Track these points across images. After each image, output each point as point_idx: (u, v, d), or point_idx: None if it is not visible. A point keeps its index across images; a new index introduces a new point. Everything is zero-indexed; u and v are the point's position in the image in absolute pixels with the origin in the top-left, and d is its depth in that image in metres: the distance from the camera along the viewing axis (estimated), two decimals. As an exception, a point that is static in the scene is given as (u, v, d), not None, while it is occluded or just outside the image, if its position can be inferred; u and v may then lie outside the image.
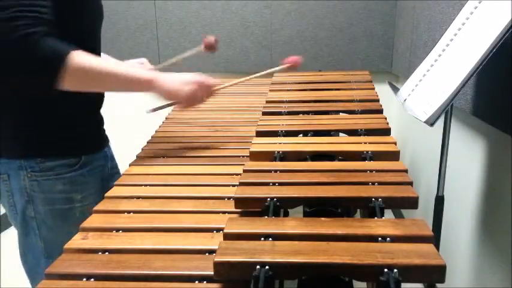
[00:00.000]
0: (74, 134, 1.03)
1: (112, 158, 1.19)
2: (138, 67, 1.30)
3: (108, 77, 0.93)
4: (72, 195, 1.04)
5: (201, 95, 1.06)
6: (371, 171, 0.87)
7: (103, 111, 1.13)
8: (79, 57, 0.87)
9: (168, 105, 1.12)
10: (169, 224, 0.79)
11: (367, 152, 0.96)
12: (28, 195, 1.00)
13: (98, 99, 1.11)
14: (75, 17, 0.97)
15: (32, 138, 1.00)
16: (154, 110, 1.13)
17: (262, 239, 0.65)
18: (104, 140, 1.14)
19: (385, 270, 0.56)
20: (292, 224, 0.69)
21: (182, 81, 1.03)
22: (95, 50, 1.02)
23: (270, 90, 1.54)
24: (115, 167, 1.20)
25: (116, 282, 0.63)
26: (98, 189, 1.08)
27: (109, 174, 1.14)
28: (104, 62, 0.94)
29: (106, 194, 0.91)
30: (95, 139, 1.10)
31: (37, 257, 1.05)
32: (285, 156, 0.99)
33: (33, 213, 1.02)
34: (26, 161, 0.99)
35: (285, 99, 1.39)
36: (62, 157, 1.02)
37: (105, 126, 1.15)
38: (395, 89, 1.36)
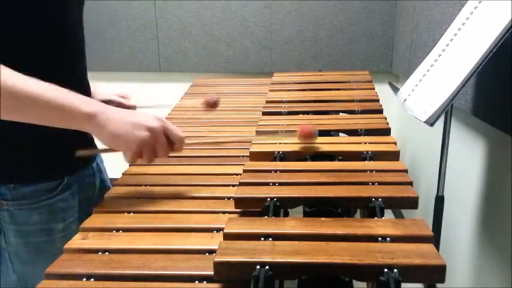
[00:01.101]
0: (54, 151, 0.85)
1: (101, 171, 1.04)
2: (107, 101, 1.01)
3: (32, 102, 0.68)
4: (51, 225, 0.88)
5: (157, 146, 0.77)
6: (371, 171, 0.86)
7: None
8: None
9: (105, 150, 0.82)
10: (169, 224, 0.79)
11: (367, 152, 0.96)
12: None
13: None
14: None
15: (3, 161, 0.83)
16: (82, 154, 0.85)
17: (262, 239, 0.65)
18: None
19: (385, 270, 0.56)
20: (292, 224, 0.69)
21: (134, 123, 0.75)
22: (67, 45, 0.85)
23: (270, 90, 1.54)
24: (104, 180, 1.05)
25: (116, 282, 0.63)
26: (85, 211, 0.90)
27: (98, 190, 1.01)
28: (31, 82, 0.68)
29: (106, 194, 0.91)
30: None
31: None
32: (285, 156, 0.99)
33: (4, 245, 0.87)
34: None
35: (285, 99, 1.39)
36: (40, 181, 0.85)
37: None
38: (395, 89, 1.36)
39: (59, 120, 0.73)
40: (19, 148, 0.83)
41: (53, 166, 0.86)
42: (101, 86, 1.02)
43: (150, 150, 0.77)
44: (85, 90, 0.96)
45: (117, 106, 0.99)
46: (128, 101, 1.08)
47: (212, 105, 1.21)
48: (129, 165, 1.07)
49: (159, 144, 0.77)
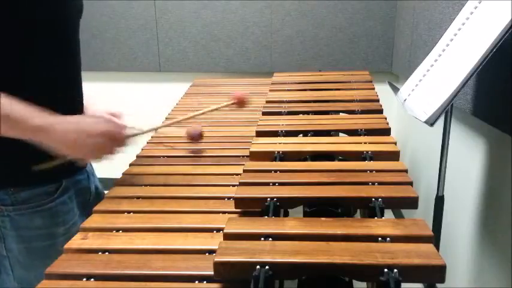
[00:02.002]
0: (50, 154, 0.83)
1: (93, 174, 1.05)
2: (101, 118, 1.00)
3: None
4: (53, 229, 0.88)
5: (109, 147, 0.82)
6: (371, 171, 0.86)
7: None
8: None
9: (60, 161, 0.83)
10: (169, 224, 0.79)
11: (367, 152, 0.96)
12: None
13: (76, 111, 0.94)
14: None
15: (0, 165, 0.84)
16: (41, 168, 0.84)
17: (262, 239, 0.65)
18: None
19: (385, 270, 0.56)
20: (292, 224, 0.69)
21: (85, 132, 0.79)
22: (68, 51, 0.88)
23: (270, 90, 1.54)
24: (97, 186, 1.05)
25: (116, 282, 0.63)
26: (82, 214, 0.93)
27: (95, 194, 1.02)
28: None
29: (106, 194, 0.91)
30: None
31: None
32: (285, 156, 0.99)
33: (4, 252, 0.87)
34: None
35: (285, 99, 1.39)
36: (39, 185, 0.85)
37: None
38: (395, 89, 1.36)
39: (12, 131, 0.75)
40: (16, 152, 0.82)
41: (50, 169, 0.86)
42: (94, 104, 1.04)
43: (100, 152, 0.81)
44: (79, 103, 0.98)
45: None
46: (119, 120, 1.07)
47: (195, 138, 1.15)
48: (129, 165, 1.07)
49: (113, 143, 0.82)
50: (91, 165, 1.05)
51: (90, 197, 1.01)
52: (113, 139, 0.82)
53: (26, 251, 0.87)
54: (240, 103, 1.14)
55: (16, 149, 0.81)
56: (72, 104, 0.93)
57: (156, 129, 1.06)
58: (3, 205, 0.84)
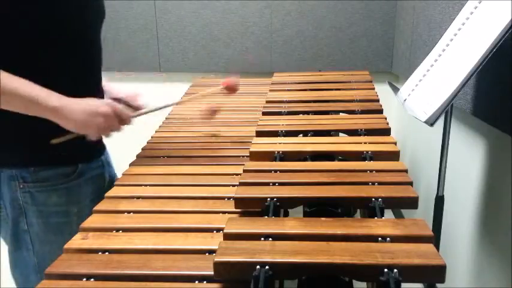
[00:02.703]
0: (68, 141, 0.95)
1: (109, 165, 1.12)
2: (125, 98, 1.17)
3: (13, 95, 0.84)
4: (69, 207, 0.98)
5: (111, 125, 0.94)
6: (371, 171, 0.86)
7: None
8: None
9: (74, 136, 0.95)
10: (169, 224, 0.79)
11: (367, 152, 0.96)
12: (20, 207, 0.95)
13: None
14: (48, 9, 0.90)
15: (23, 147, 0.94)
16: (57, 141, 0.95)
17: (262, 239, 0.65)
18: (101, 147, 1.08)
19: (385, 270, 0.56)
20: (292, 224, 0.69)
21: (90, 112, 0.91)
22: (89, 54, 0.99)
23: (270, 90, 1.54)
24: (113, 175, 1.13)
25: (116, 282, 0.63)
26: (95, 199, 0.98)
27: (109, 182, 1.08)
28: (5, 75, 0.84)
29: (106, 194, 0.91)
30: (90, 146, 1.00)
31: (26, 273, 0.99)
32: (285, 156, 0.99)
33: (26, 227, 0.96)
34: (18, 171, 0.93)
35: (285, 99, 1.39)
36: (56, 166, 0.96)
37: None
38: (396, 89, 1.36)
39: (31, 111, 0.87)
40: (38, 135, 0.93)
41: (68, 154, 0.97)
42: (116, 85, 1.19)
43: (107, 129, 0.94)
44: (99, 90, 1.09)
45: (124, 105, 1.13)
46: (135, 101, 1.18)
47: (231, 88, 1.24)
48: (129, 165, 1.07)
49: (114, 122, 0.94)
50: (107, 156, 1.13)
51: (104, 184, 1.07)
52: (115, 118, 0.94)
53: (44, 225, 0.96)
54: (230, 89, 1.22)
55: (38, 132, 0.92)
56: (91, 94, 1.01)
57: (155, 110, 1.12)
58: (25, 182, 0.94)
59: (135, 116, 1.02)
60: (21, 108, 0.86)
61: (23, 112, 0.87)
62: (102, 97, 1.09)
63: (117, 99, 1.12)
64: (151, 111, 1.09)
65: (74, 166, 0.98)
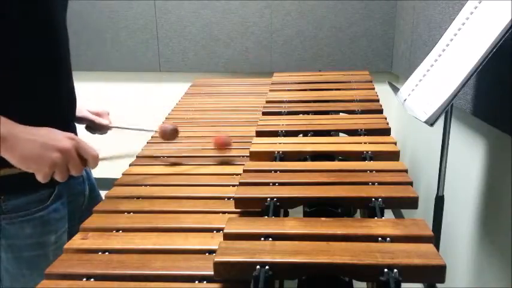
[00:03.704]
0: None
1: (89, 178, 1.01)
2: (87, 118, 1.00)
3: None
4: (45, 238, 0.84)
5: (70, 165, 0.76)
6: (371, 171, 0.86)
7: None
8: None
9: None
10: (169, 224, 0.79)
11: (367, 152, 0.96)
12: None
13: (68, 110, 0.91)
14: None
15: None
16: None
17: (262, 239, 0.65)
18: None
19: (385, 270, 0.56)
20: (292, 224, 0.69)
21: (45, 145, 0.73)
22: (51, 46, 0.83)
23: (270, 90, 1.54)
24: (94, 188, 1.02)
25: (116, 282, 0.63)
26: (75, 221, 0.89)
27: (89, 199, 0.99)
28: None
29: (106, 194, 0.91)
30: None
31: None
32: (285, 156, 0.99)
33: None
34: None
35: (285, 99, 1.39)
36: (30, 192, 0.81)
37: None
38: (396, 89, 1.36)
39: None
40: (4, 158, 0.75)
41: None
42: (79, 102, 1.00)
43: (62, 169, 0.75)
44: (71, 92, 0.94)
45: (88, 124, 1.03)
46: (102, 119, 1.04)
47: (168, 135, 1.07)
48: (129, 165, 1.07)
49: (72, 163, 0.76)
50: (87, 169, 1.01)
51: (83, 202, 0.99)
52: (75, 157, 0.76)
53: (15, 260, 0.83)
54: (221, 146, 1.09)
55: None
56: (62, 95, 0.88)
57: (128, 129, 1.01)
58: None
59: (102, 159, 0.83)
60: None
61: None
62: (74, 93, 0.95)
63: (80, 119, 1.00)
64: (126, 128, 0.98)
65: (50, 189, 0.85)
